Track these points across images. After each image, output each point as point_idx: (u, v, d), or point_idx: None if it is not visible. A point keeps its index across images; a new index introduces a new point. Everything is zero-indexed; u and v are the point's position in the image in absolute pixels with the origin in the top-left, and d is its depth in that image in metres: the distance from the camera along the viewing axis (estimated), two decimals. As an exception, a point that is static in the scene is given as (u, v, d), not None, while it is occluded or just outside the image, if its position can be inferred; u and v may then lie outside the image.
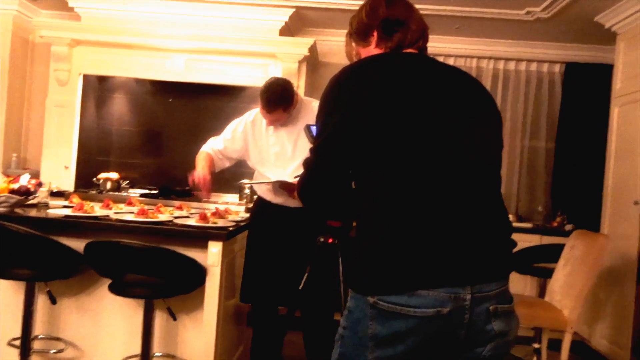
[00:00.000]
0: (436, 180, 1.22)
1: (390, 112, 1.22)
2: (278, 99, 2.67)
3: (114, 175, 4.62)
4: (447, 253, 1.19)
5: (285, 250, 2.75)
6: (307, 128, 1.89)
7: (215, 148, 2.96)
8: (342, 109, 1.26)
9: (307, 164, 1.37)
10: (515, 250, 1.33)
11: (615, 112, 4.09)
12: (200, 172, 2.81)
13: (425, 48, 1.46)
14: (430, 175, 1.22)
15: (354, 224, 1.52)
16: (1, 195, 2.51)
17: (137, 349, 2.48)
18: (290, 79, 3.46)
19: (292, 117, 2.78)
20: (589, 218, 4.39)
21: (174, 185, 4.75)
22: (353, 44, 1.50)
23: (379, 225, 1.23)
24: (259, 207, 2.92)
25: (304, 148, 2.71)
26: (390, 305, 1.18)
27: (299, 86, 4.48)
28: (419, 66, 1.34)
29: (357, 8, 1.49)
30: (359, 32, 1.46)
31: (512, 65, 5.05)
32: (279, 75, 4.39)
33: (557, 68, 5.02)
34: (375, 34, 1.42)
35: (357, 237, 1.28)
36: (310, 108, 2.81)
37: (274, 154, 2.81)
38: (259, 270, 2.80)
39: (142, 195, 4.33)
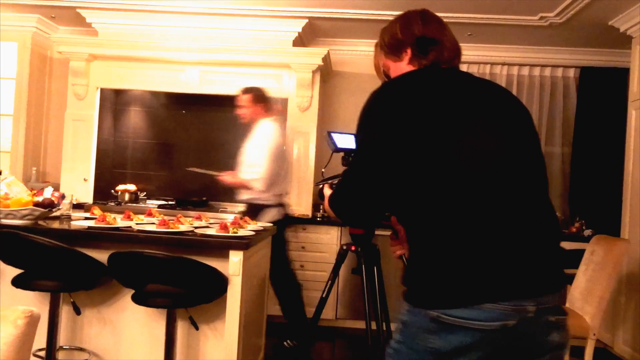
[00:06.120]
0: (493, 192, 1.21)
1: (438, 127, 1.21)
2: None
3: (132, 187, 4.67)
4: (512, 265, 1.18)
5: None
6: (328, 134, 1.92)
7: None
8: (386, 124, 1.24)
9: (345, 176, 1.37)
10: None
11: (632, 116, 4.06)
12: None
13: (458, 66, 1.43)
14: (487, 188, 1.21)
15: (376, 231, 1.52)
16: (26, 207, 2.54)
17: (158, 358, 2.50)
18: (304, 89, 3.63)
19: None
20: (608, 223, 4.34)
21: (188, 196, 4.79)
22: (382, 56, 1.47)
23: (440, 239, 1.20)
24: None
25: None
26: (455, 319, 1.16)
27: (313, 96, 4.51)
28: (460, 82, 1.33)
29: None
30: (391, 46, 1.43)
31: (525, 71, 5.03)
32: (293, 85, 4.47)
33: (571, 73, 5.00)
34: (409, 50, 1.39)
35: (415, 252, 1.26)
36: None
37: None
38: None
39: (159, 206, 4.36)
